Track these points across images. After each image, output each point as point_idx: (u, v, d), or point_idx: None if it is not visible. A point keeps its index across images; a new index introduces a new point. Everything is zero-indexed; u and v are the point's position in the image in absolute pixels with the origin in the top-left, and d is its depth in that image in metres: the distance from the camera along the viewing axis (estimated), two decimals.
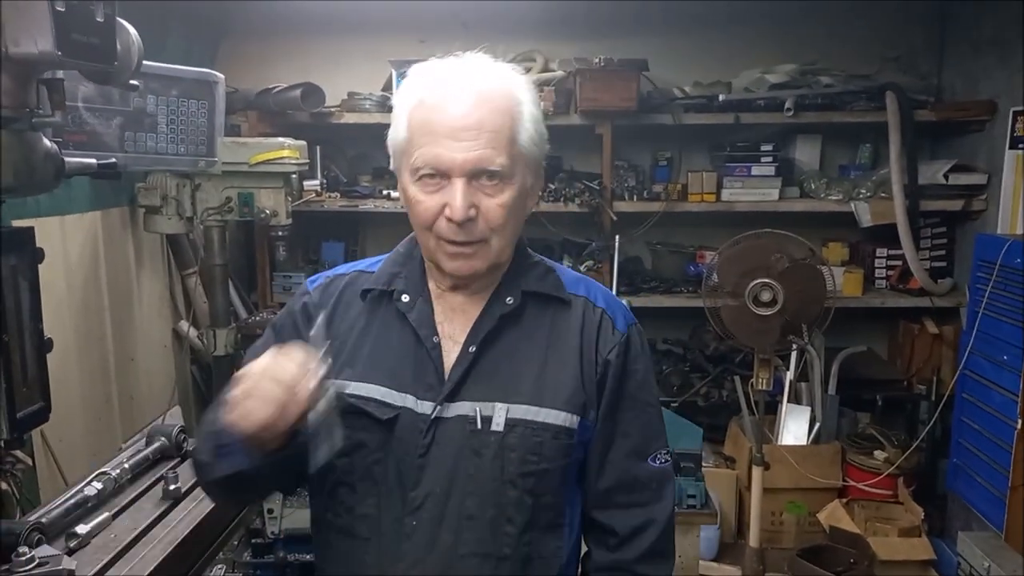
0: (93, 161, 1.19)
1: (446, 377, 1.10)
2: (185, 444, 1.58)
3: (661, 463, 1.19)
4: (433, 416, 1.09)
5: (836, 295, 3.13)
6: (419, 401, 1.10)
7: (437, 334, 1.13)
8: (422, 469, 1.08)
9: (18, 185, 0.98)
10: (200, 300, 3.17)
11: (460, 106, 1.03)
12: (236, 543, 3.11)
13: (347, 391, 1.11)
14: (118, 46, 1.01)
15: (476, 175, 1.04)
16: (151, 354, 3.08)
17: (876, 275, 3.69)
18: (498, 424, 1.09)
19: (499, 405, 1.09)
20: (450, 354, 1.12)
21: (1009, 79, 3.17)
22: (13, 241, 1.13)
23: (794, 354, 3.36)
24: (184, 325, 3.17)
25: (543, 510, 1.11)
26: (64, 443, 2.39)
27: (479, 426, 1.09)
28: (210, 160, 2.29)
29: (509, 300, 1.14)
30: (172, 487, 1.38)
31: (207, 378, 3.29)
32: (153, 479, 1.44)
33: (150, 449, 1.51)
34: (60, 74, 1.00)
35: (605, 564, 1.18)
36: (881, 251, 3.67)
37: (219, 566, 1.35)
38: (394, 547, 1.08)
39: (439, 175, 1.04)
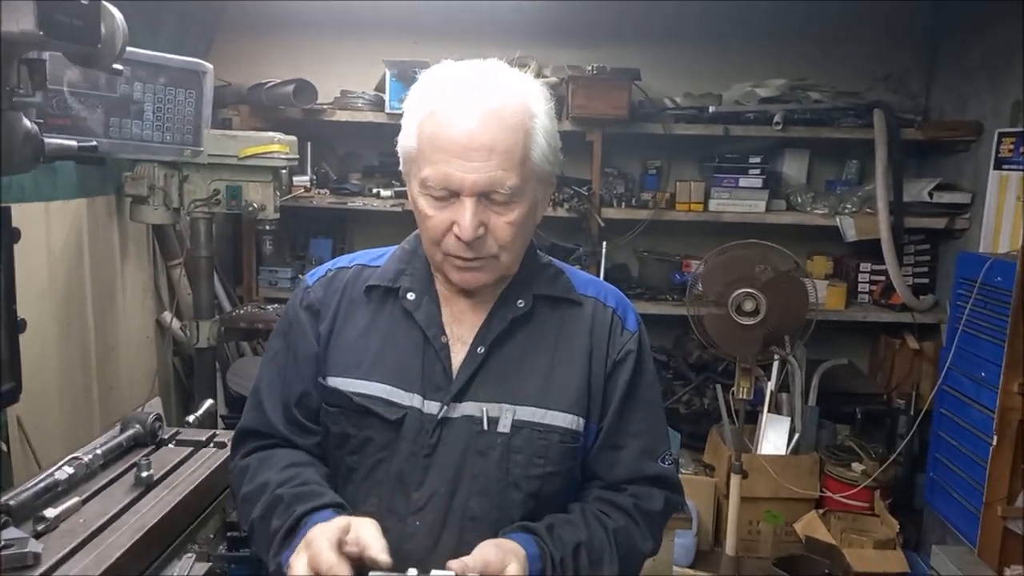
0: (73, 143, 1.19)
1: (454, 377, 1.10)
2: (160, 432, 1.58)
3: (669, 463, 1.19)
4: (440, 416, 1.08)
5: (819, 308, 3.16)
6: (426, 401, 1.09)
7: (445, 334, 1.12)
8: (427, 469, 1.08)
9: None
10: (184, 292, 3.16)
11: (472, 124, 1.00)
12: (212, 536, 3.09)
13: (354, 390, 1.11)
14: (102, 29, 1.01)
15: (486, 195, 1.03)
16: (133, 344, 3.07)
17: (859, 289, 3.72)
18: (504, 426, 1.09)
19: (506, 407, 1.09)
20: (458, 355, 1.12)
21: (997, 102, 3.21)
22: None
23: (776, 365, 3.38)
24: (167, 316, 3.16)
25: (546, 512, 1.10)
26: (41, 431, 2.37)
27: (485, 427, 1.08)
28: (196, 149, 2.28)
29: (520, 303, 1.13)
30: (144, 474, 1.37)
31: (188, 370, 3.29)
32: (126, 466, 1.44)
33: (124, 436, 1.51)
34: (43, 54, 1.00)
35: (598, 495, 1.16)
36: (865, 266, 3.71)
37: (188, 555, 1.35)
38: (396, 547, 1.03)
39: (449, 192, 1.03)
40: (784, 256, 2.94)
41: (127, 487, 1.38)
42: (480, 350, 1.11)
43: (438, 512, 1.07)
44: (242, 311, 3.15)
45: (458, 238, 1.03)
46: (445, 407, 1.09)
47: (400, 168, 1.12)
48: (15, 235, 1.12)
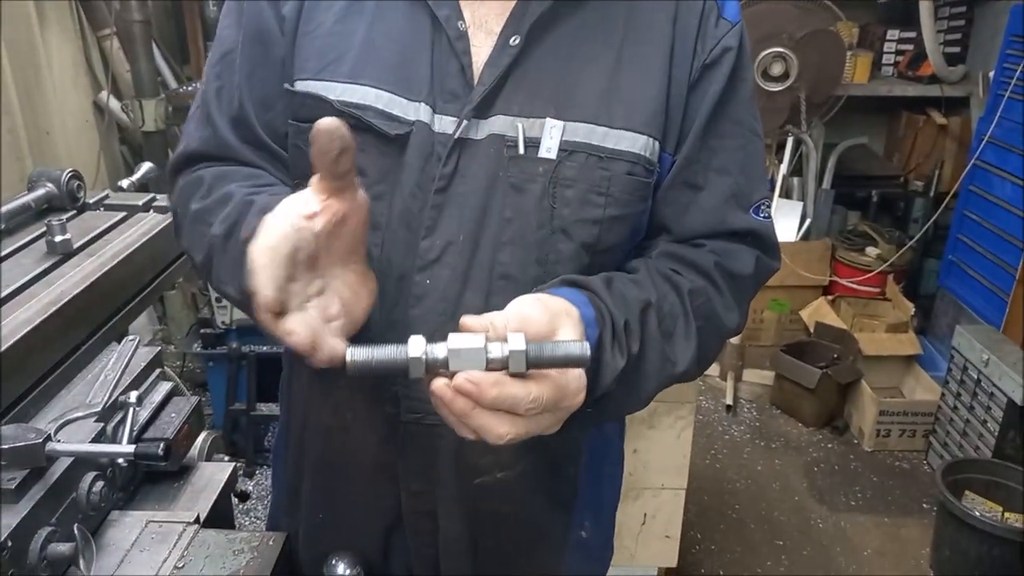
0: None
1: (475, 80, 0.78)
2: (81, 194, 1.27)
3: (764, 216, 0.86)
4: (456, 135, 0.77)
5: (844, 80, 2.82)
6: (437, 115, 0.78)
7: (463, 18, 0.78)
8: (440, 209, 0.78)
9: None
10: (122, 67, 2.74)
11: None
12: (185, 334, 2.90)
13: (336, 96, 0.78)
14: None
15: None
16: (70, 129, 2.68)
17: (884, 61, 3.36)
18: (549, 149, 0.78)
19: (551, 121, 0.77)
20: (481, 48, 0.79)
21: None
22: None
23: (789, 145, 3.09)
24: (104, 96, 2.76)
25: (600, 271, 0.79)
26: None
27: (522, 150, 0.77)
28: None
29: None
30: (59, 239, 1.08)
31: (138, 158, 2.93)
32: (37, 233, 1.15)
33: (32, 196, 1.20)
34: None
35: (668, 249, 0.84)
36: (892, 33, 3.33)
37: (130, 338, 1.09)
38: (399, 314, 0.79)
39: None
40: (818, 8, 2.54)
41: (37, 256, 1.09)
42: (514, 41, 0.77)
43: (456, 268, 0.79)
44: (191, 88, 2.75)
45: None
46: (464, 122, 0.77)
47: None
48: None
